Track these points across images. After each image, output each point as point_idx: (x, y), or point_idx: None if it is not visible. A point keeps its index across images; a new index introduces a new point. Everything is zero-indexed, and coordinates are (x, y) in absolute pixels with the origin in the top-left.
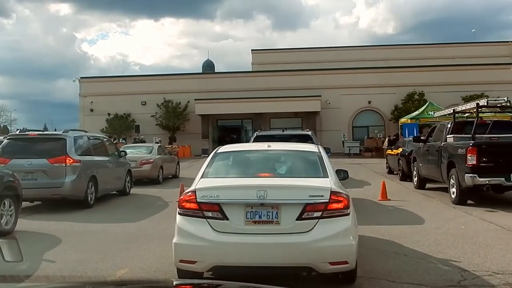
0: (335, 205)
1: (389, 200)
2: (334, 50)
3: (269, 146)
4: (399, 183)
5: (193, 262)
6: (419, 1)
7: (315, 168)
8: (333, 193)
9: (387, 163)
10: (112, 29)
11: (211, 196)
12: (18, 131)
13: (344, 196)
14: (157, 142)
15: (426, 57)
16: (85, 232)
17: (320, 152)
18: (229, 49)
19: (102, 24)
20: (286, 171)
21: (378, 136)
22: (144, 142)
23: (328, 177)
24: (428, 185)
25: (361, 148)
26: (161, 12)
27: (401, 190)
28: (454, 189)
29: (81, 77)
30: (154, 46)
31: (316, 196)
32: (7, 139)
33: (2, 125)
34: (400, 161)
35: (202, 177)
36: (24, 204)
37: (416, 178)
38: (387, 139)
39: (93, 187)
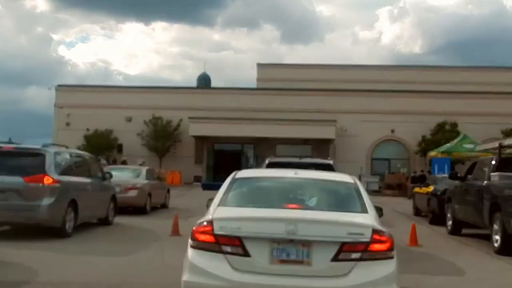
0: (377, 246)
1: (420, 246)
2: (352, 68)
3: (296, 173)
4: (429, 226)
5: None
6: (450, 18)
7: (352, 202)
8: (375, 231)
9: (414, 203)
10: (94, 32)
11: (231, 228)
12: None
13: (388, 236)
14: (140, 164)
15: (459, 81)
16: (64, 264)
17: (356, 183)
18: (228, 61)
19: (83, 25)
20: (317, 203)
21: (402, 171)
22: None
23: (368, 213)
24: (464, 231)
25: (381, 185)
26: (152, 15)
27: (432, 235)
28: (497, 237)
29: (58, 85)
30: (141, 53)
31: (356, 234)
32: None
33: None
34: (430, 201)
35: (219, 205)
36: None
37: (450, 222)
38: (411, 175)
39: (72, 213)
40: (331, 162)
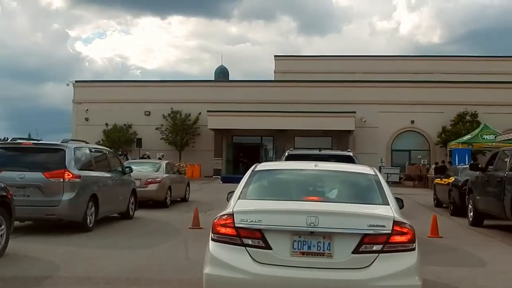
0: (398, 238)
1: (441, 237)
2: (370, 59)
3: (316, 165)
4: (450, 218)
5: None
6: (470, 7)
7: (373, 194)
8: (396, 223)
9: (435, 194)
10: (111, 27)
11: (251, 221)
12: (9, 139)
13: (409, 227)
14: (159, 158)
15: (479, 71)
16: (86, 259)
17: (377, 175)
18: (246, 54)
19: (99, 21)
20: (337, 195)
21: (422, 163)
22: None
23: (389, 205)
24: (486, 222)
25: (401, 176)
26: (168, 9)
27: (453, 227)
28: None
29: (76, 81)
30: (158, 48)
31: (377, 226)
32: None
33: None
34: (451, 192)
35: (239, 198)
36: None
37: (471, 213)
38: (433, 166)
39: (93, 208)
40: (351, 153)
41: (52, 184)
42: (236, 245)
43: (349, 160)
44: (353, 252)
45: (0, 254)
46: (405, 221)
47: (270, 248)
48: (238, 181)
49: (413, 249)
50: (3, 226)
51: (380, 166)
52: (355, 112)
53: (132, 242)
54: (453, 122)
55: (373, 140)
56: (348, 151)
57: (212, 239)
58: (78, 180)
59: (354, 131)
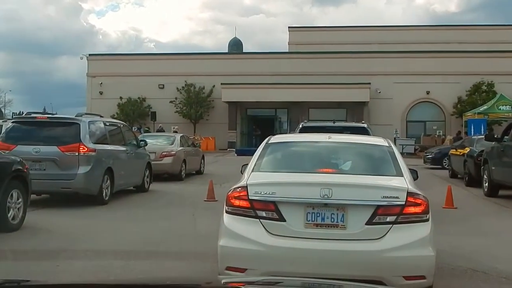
0: (412, 209)
1: (456, 208)
2: (386, 30)
3: (329, 137)
4: (465, 188)
5: (243, 271)
6: None
7: (386, 165)
8: (410, 194)
9: (450, 165)
10: (124, 0)
11: (265, 193)
12: (24, 113)
13: (423, 198)
14: (175, 132)
15: (496, 40)
16: (102, 231)
17: (391, 146)
18: (260, 25)
19: None
20: (351, 167)
21: (438, 133)
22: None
23: (402, 176)
24: (501, 192)
25: (417, 147)
26: None
27: (468, 197)
28: None
29: (89, 54)
30: (172, 20)
31: (390, 197)
32: (12, 122)
33: None
34: (466, 163)
35: (253, 170)
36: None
37: (486, 184)
38: (451, 137)
39: (108, 181)
40: (365, 125)
41: (68, 158)
42: (250, 217)
43: (363, 131)
44: (366, 224)
45: (18, 227)
46: (419, 192)
47: (284, 220)
48: (252, 153)
49: (427, 220)
50: (20, 199)
51: (395, 138)
52: (369, 83)
53: (148, 215)
54: (469, 93)
55: (388, 111)
56: (363, 123)
57: (227, 212)
58: (93, 153)
59: (368, 103)
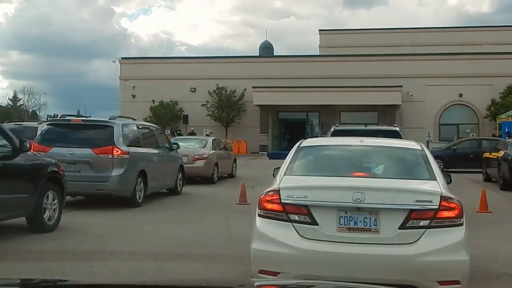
0: (446, 213)
1: (490, 212)
2: (418, 32)
3: (361, 140)
4: (500, 192)
5: (275, 274)
6: None
7: (419, 169)
8: (443, 198)
9: (484, 168)
10: (156, 3)
11: (298, 197)
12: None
13: (457, 202)
14: (207, 135)
15: None
16: (136, 233)
17: (424, 150)
18: (290, 28)
19: None
20: (383, 171)
21: (471, 136)
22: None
23: (436, 180)
24: None
25: None
26: None
27: (503, 201)
28: None
29: (122, 58)
30: (203, 23)
31: (424, 201)
32: (47, 124)
33: (30, 110)
34: (501, 166)
35: (285, 174)
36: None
37: None
38: None
39: (142, 184)
40: (397, 128)
41: (102, 160)
42: (283, 220)
43: (395, 135)
44: (399, 228)
45: (54, 228)
46: (452, 196)
47: (316, 224)
48: (284, 157)
49: (461, 224)
50: (55, 201)
51: (427, 141)
52: (401, 86)
53: (181, 217)
54: (502, 95)
55: (420, 114)
56: (395, 126)
57: (259, 215)
58: (126, 156)
59: (400, 106)
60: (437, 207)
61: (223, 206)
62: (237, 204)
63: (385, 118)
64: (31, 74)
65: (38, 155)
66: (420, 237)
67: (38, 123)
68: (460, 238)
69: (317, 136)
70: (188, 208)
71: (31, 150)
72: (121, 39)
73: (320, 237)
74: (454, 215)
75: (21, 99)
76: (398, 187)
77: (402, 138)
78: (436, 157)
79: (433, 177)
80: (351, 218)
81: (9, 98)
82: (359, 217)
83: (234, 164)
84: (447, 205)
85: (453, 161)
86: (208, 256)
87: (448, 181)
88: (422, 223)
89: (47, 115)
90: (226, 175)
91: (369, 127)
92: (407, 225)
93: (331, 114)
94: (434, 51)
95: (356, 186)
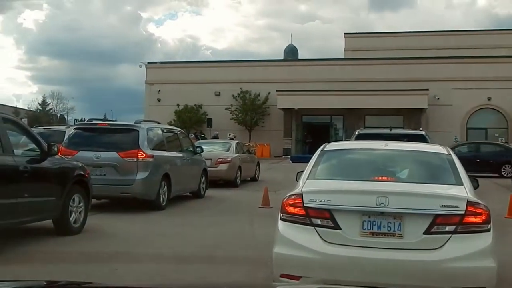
0: (472, 219)
1: None
2: (445, 34)
3: (386, 144)
4: None
5: (297, 278)
6: None
7: (445, 173)
8: (470, 203)
9: None
10: (182, 8)
11: (320, 201)
12: (86, 120)
13: (484, 208)
14: (231, 138)
15: None
16: (159, 237)
17: (450, 154)
18: (316, 32)
19: (170, 2)
20: (409, 175)
21: (500, 141)
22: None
23: (462, 185)
24: None
25: None
26: None
27: None
28: None
29: (148, 62)
30: (228, 27)
31: (450, 206)
32: (74, 128)
33: (59, 115)
34: None
35: (308, 178)
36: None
37: None
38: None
39: (166, 187)
40: (423, 132)
41: (127, 164)
42: (305, 224)
43: (421, 139)
44: (424, 233)
45: (80, 230)
46: (479, 201)
47: (339, 228)
48: (307, 161)
49: (488, 230)
50: (81, 204)
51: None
52: (428, 89)
53: (204, 220)
54: None
55: (447, 118)
56: (420, 130)
57: (281, 219)
58: (151, 159)
59: (427, 109)
60: (463, 212)
61: (246, 209)
62: (260, 207)
63: (410, 122)
64: (60, 79)
65: (65, 158)
66: (446, 242)
67: (65, 127)
68: (487, 244)
69: (341, 140)
70: (211, 211)
71: (59, 153)
72: (147, 44)
73: (343, 241)
74: (481, 221)
75: (50, 103)
76: (423, 192)
77: (428, 142)
78: None
79: (459, 182)
80: (374, 223)
81: (38, 103)
82: (382, 221)
83: (257, 168)
84: (474, 210)
85: None
86: (231, 259)
87: (475, 186)
88: (447, 228)
89: (75, 119)
90: (249, 179)
91: (394, 131)
92: (432, 230)
93: (355, 117)
94: (463, 54)
95: (380, 191)
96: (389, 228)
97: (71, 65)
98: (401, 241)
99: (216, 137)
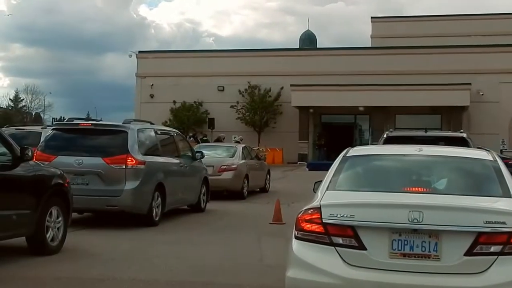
0: None
1: None
2: (491, 18)
3: (420, 149)
4: None
5: None
6: None
7: (491, 184)
8: None
9: None
10: None
11: (342, 216)
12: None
13: None
14: (237, 142)
15: None
16: (152, 257)
17: (496, 161)
18: (337, 16)
19: None
20: (446, 186)
21: None
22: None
23: (511, 197)
24: None
25: None
26: None
27: None
28: None
29: (139, 52)
30: (234, 11)
31: (495, 222)
32: (52, 129)
33: (34, 113)
34: None
35: (328, 188)
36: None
37: None
38: None
39: (159, 199)
40: (464, 135)
41: (113, 171)
42: (324, 244)
43: (462, 142)
44: (465, 254)
45: (58, 249)
46: None
47: (365, 249)
48: (327, 168)
49: None
50: (60, 218)
51: (501, 150)
52: (470, 83)
53: (204, 239)
54: None
55: (493, 117)
56: (461, 132)
57: (296, 237)
58: (142, 166)
59: (468, 107)
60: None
61: (254, 226)
62: (270, 223)
63: (449, 122)
64: (36, 71)
65: (41, 165)
66: (491, 265)
67: (42, 128)
68: None
69: (367, 144)
70: (212, 228)
71: (34, 159)
72: (139, 29)
73: (369, 264)
74: None
75: (23, 99)
76: (464, 206)
77: (470, 147)
78: None
79: (507, 194)
80: (406, 242)
81: (9, 99)
82: (416, 240)
83: (268, 176)
84: None
85: None
86: (236, 286)
87: None
88: (493, 249)
89: (53, 118)
90: (258, 189)
91: (429, 133)
92: (474, 251)
93: (384, 117)
94: (510, 41)
95: (412, 204)
96: (423, 249)
97: (48, 54)
98: (438, 264)
99: (219, 140)
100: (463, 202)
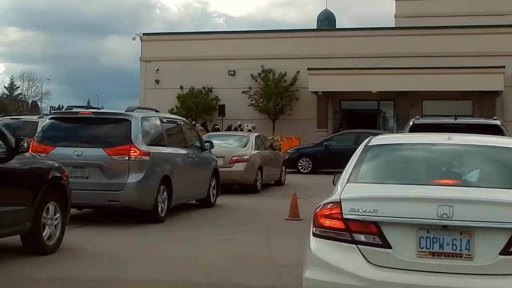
0: None
1: None
2: None
3: (449, 138)
4: None
5: None
6: None
7: None
8: None
9: None
10: None
11: (364, 211)
12: (64, 108)
13: None
14: (249, 130)
15: None
16: (157, 257)
17: None
18: None
19: None
20: (479, 178)
21: None
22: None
23: None
24: None
25: None
26: None
27: None
28: None
29: (144, 34)
30: None
31: None
32: (50, 118)
33: (30, 101)
34: None
35: (348, 181)
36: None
37: None
38: None
39: (165, 193)
40: (498, 122)
41: (115, 163)
42: (345, 242)
43: (495, 130)
44: (501, 253)
45: (55, 249)
46: None
47: (389, 247)
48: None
49: None
50: (57, 215)
51: None
52: (504, 66)
53: (213, 236)
54: None
55: None
56: (495, 119)
57: (314, 234)
58: (146, 158)
59: (502, 92)
60: None
61: (268, 222)
62: (286, 219)
63: (481, 109)
64: (32, 56)
65: (38, 157)
66: None
67: (39, 117)
68: None
69: (392, 132)
70: (223, 224)
71: (30, 150)
72: (143, 10)
73: (395, 264)
74: None
75: (19, 87)
76: (499, 200)
77: (504, 135)
78: (304, 155)
79: None
80: (435, 240)
81: (4, 86)
82: (446, 238)
83: (283, 168)
84: None
85: (325, 159)
86: (247, 287)
87: None
88: None
89: (50, 107)
90: (273, 182)
91: (459, 121)
92: (511, 249)
93: (410, 103)
94: None
95: (442, 198)
96: (454, 247)
97: (46, 38)
98: (470, 264)
99: (230, 128)
100: (498, 196)
